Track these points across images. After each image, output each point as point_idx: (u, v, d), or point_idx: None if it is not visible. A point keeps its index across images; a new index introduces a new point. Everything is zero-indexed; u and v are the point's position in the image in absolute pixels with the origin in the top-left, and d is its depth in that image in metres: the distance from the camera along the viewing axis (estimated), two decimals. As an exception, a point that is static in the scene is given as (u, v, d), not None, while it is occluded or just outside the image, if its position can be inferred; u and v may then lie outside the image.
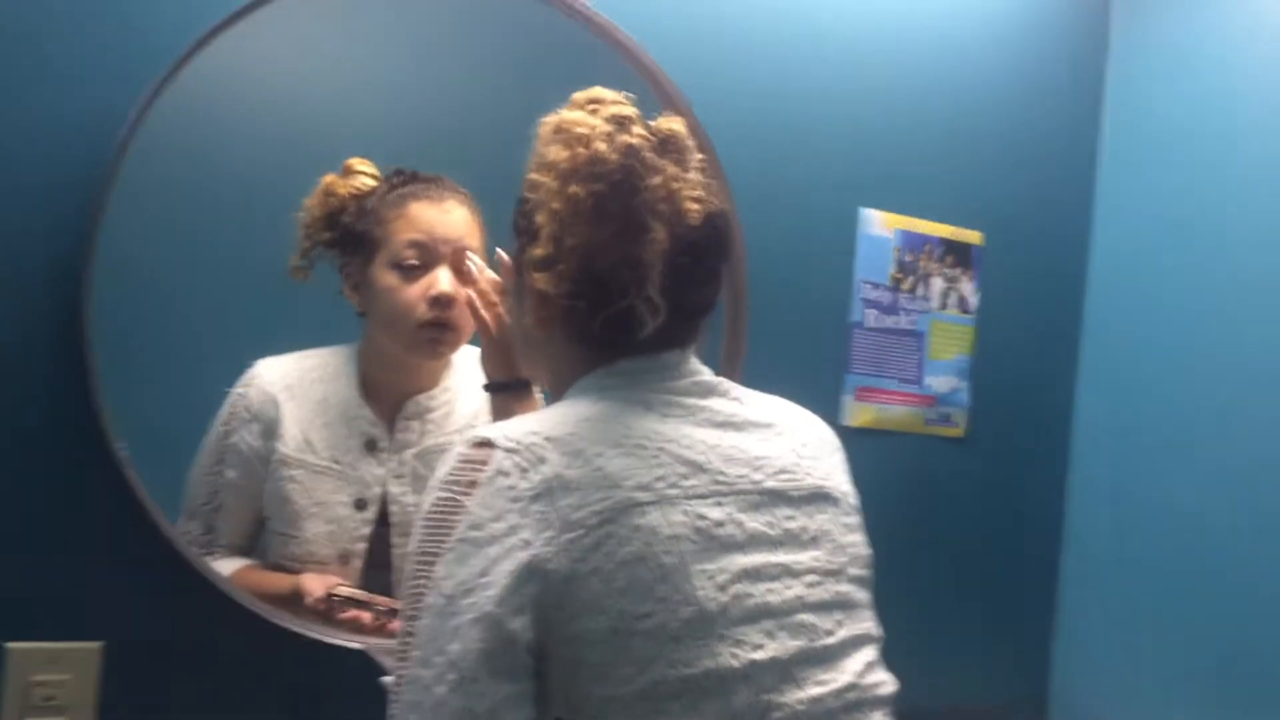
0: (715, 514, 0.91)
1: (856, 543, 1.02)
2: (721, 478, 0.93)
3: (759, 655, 0.89)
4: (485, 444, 0.91)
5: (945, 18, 1.80)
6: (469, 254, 1.23)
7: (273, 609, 1.33)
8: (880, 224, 1.75)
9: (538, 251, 0.96)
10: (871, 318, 1.75)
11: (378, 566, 1.38)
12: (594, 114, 0.98)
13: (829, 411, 1.55)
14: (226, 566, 1.34)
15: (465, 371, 1.44)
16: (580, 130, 0.96)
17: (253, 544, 1.38)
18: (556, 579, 0.85)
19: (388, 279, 1.35)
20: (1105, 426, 1.90)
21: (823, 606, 0.95)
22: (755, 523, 0.93)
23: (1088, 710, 1.87)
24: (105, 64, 1.25)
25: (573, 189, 0.94)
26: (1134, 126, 1.91)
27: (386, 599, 1.35)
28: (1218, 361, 1.72)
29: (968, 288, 1.83)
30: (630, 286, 0.94)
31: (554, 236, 0.95)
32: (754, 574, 0.91)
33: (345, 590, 1.34)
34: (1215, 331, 1.73)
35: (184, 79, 1.24)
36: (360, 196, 1.37)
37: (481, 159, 1.43)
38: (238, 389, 1.36)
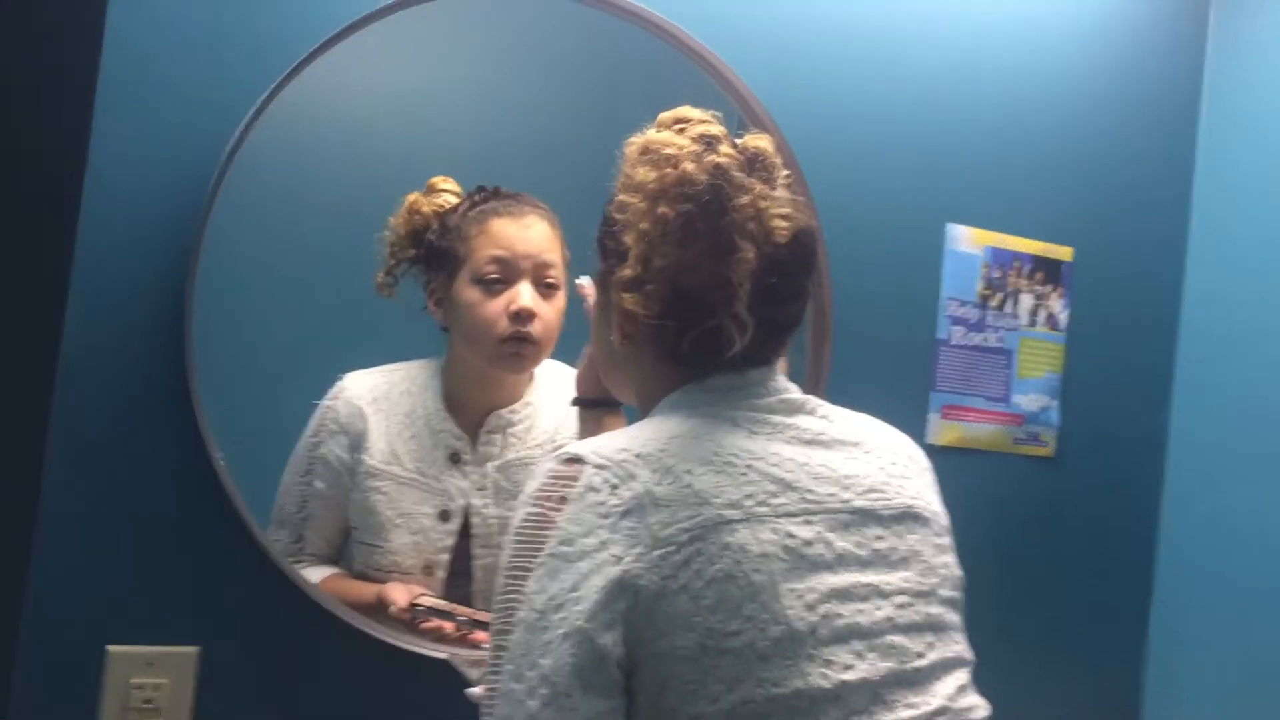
0: (805, 533, 0.90)
1: (948, 564, 1.01)
2: (810, 496, 0.92)
3: (849, 676, 0.88)
4: (575, 460, 0.91)
5: (1034, 30, 1.77)
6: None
7: (360, 617, 1.35)
8: (968, 240, 1.73)
9: (626, 272, 0.97)
10: (958, 334, 1.73)
11: (459, 576, 1.40)
12: (681, 133, 0.98)
13: (914, 429, 1.52)
14: (315, 575, 1.37)
15: (547, 386, 1.45)
16: (668, 151, 0.96)
17: (339, 553, 1.40)
18: (646, 595, 0.85)
19: (470, 294, 1.37)
20: (1201, 447, 1.84)
21: (913, 628, 0.94)
22: (844, 542, 0.92)
23: (1182, 740, 1.82)
24: (207, 91, 1.29)
25: (661, 209, 0.94)
26: (1231, 139, 1.86)
27: (469, 609, 1.37)
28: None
29: (1057, 304, 1.80)
30: (718, 306, 0.95)
31: (642, 257, 0.95)
32: (843, 594, 0.90)
33: (429, 600, 1.36)
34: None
35: (273, 109, 1.28)
36: (443, 214, 1.39)
37: (565, 176, 1.45)
38: (326, 401, 1.39)
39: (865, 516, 0.95)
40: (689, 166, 0.95)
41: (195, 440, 1.27)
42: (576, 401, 1.27)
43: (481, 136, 1.47)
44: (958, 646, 0.99)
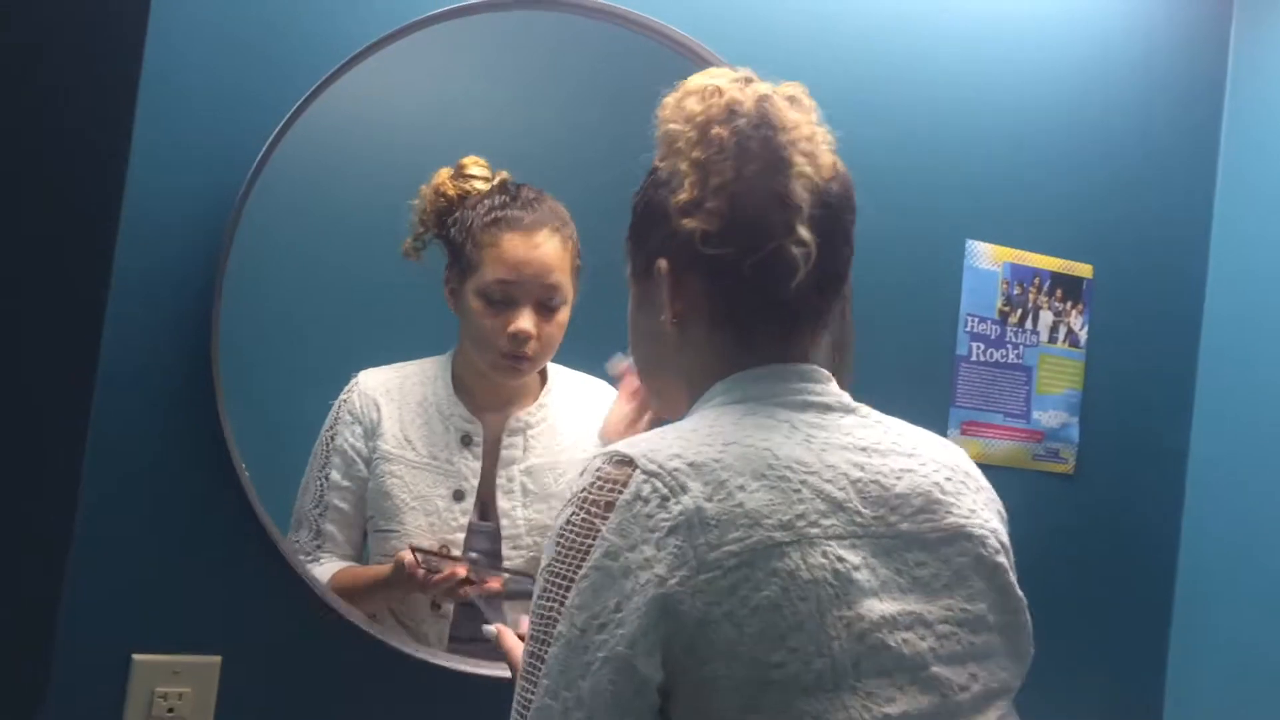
0: (852, 557, 0.88)
1: (1002, 586, 0.97)
2: (859, 518, 0.89)
3: (891, 709, 0.85)
4: (626, 463, 0.87)
5: (1056, 47, 1.78)
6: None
7: (381, 605, 1.39)
8: (988, 257, 1.73)
9: (683, 196, 0.95)
10: (977, 351, 1.73)
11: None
12: (717, 76, 0.99)
13: (934, 445, 1.53)
14: (332, 567, 1.40)
15: (560, 386, 1.50)
16: (712, 84, 0.97)
17: (359, 553, 1.43)
18: (689, 621, 0.82)
19: (475, 303, 1.41)
20: (1220, 464, 1.84)
21: (955, 659, 0.91)
22: (887, 569, 0.89)
23: (1203, 759, 1.81)
24: (235, 103, 1.31)
25: (715, 131, 0.94)
26: (1252, 157, 1.86)
27: (458, 560, 1.39)
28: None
29: (1077, 321, 1.80)
30: (779, 225, 0.93)
31: (699, 182, 0.94)
32: (888, 623, 0.87)
33: (425, 544, 1.39)
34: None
35: (300, 124, 1.30)
36: (466, 202, 1.42)
37: (585, 183, 1.48)
38: (341, 396, 1.43)
39: (909, 541, 0.92)
40: (736, 94, 0.96)
41: (221, 454, 1.29)
42: None
43: (507, 148, 1.49)
44: (1004, 674, 0.96)
